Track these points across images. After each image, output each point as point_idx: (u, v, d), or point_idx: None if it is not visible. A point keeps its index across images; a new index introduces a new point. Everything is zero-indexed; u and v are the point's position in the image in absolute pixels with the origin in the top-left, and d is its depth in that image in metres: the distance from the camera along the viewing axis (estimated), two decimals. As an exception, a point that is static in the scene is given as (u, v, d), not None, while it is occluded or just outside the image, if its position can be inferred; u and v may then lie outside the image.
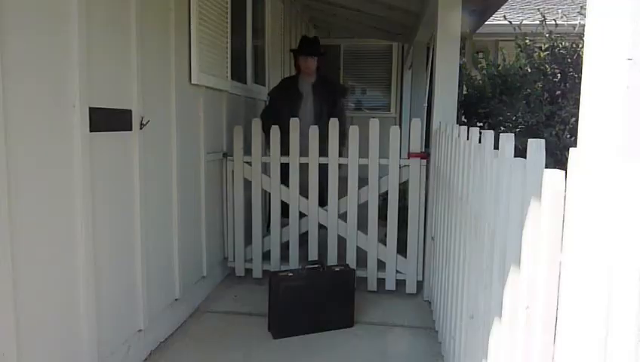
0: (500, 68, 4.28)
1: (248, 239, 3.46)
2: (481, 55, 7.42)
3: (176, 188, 2.69)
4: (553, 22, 4.08)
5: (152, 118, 2.35)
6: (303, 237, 3.40)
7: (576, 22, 4.07)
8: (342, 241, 3.33)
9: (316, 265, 2.76)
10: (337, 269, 2.82)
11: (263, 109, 3.98)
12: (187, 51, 2.82)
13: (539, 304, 1.02)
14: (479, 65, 4.97)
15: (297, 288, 2.66)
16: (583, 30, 1.37)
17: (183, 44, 2.76)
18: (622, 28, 0.75)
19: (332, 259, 3.32)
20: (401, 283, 3.32)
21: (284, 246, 3.41)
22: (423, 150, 3.36)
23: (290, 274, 2.69)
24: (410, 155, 3.21)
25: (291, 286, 2.64)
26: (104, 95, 2.01)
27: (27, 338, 1.58)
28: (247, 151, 3.37)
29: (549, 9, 7.23)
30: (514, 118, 3.89)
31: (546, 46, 3.90)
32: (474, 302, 1.66)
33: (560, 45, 3.86)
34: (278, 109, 3.68)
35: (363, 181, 3.28)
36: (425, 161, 3.20)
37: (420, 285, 3.29)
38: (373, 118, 3.26)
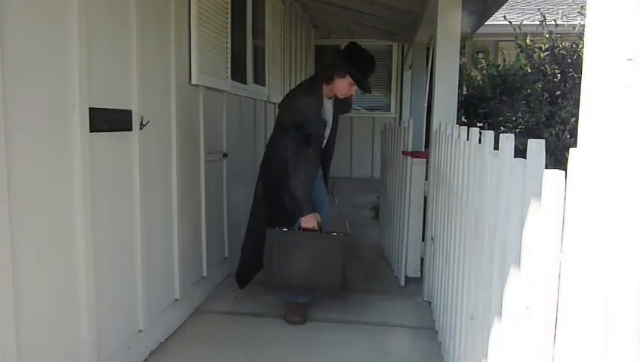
0: (500, 68, 4.27)
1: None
2: (481, 55, 7.43)
3: (176, 188, 2.69)
4: (553, 22, 4.07)
5: (152, 118, 2.35)
6: None
7: (576, 22, 4.05)
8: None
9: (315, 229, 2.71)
10: (332, 233, 2.74)
11: (297, 144, 2.67)
12: (187, 51, 2.82)
13: (539, 304, 1.02)
14: (479, 66, 4.96)
15: (290, 244, 2.65)
16: (583, 30, 1.37)
17: (183, 44, 2.76)
18: (622, 28, 0.75)
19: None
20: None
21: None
22: (423, 150, 3.40)
23: (286, 229, 2.69)
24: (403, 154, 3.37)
25: (285, 241, 2.65)
26: (104, 95, 2.01)
27: (27, 339, 1.58)
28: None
29: (549, 9, 7.23)
30: (514, 119, 3.89)
31: (546, 46, 3.89)
32: (474, 302, 1.66)
33: (560, 45, 3.85)
34: (311, 133, 2.73)
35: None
36: (414, 159, 3.31)
37: (408, 281, 3.40)
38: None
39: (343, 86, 2.73)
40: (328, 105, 2.84)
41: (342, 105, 2.96)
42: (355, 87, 2.75)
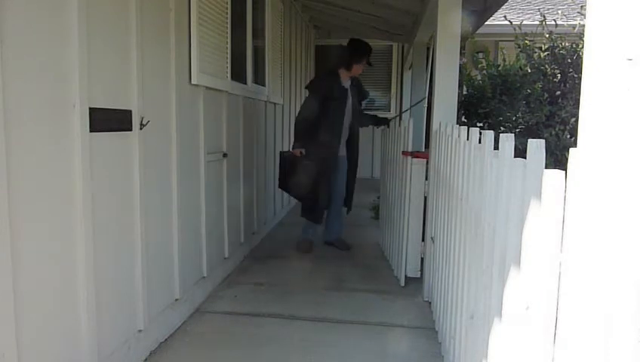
0: (500, 68, 4.27)
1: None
2: (481, 55, 7.43)
3: (177, 189, 2.69)
4: (553, 22, 4.07)
5: (152, 118, 2.35)
6: None
7: (576, 22, 4.06)
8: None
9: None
10: (308, 162, 3.93)
11: (307, 106, 4.07)
12: (187, 51, 2.82)
13: (539, 304, 1.02)
14: (479, 66, 4.96)
15: (289, 165, 4.06)
16: (583, 30, 1.37)
17: (183, 44, 2.76)
18: (622, 28, 0.75)
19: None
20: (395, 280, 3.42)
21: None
22: (423, 150, 3.40)
23: (289, 152, 4.12)
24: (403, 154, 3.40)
25: (287, 161, 4.10)
26: (104, 95, 2.01)
27: (27, 339, 1.58)
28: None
29: (549, 9, 7.23)
30: (514, 118, 3.89)
31: (546, 46, 3.89)
32: (474, 302, 1.66)
33: (560, 45, 3.85)
34: (326, 105, 4.00)
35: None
36: (414, 159, 3.32)
37: (408, 281, 3.41)
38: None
39: (360, 67, 4.10)
40: (347, 83, 4.11)
41: (361, 93, 4.32)
42: (363, 66, 4.11)
